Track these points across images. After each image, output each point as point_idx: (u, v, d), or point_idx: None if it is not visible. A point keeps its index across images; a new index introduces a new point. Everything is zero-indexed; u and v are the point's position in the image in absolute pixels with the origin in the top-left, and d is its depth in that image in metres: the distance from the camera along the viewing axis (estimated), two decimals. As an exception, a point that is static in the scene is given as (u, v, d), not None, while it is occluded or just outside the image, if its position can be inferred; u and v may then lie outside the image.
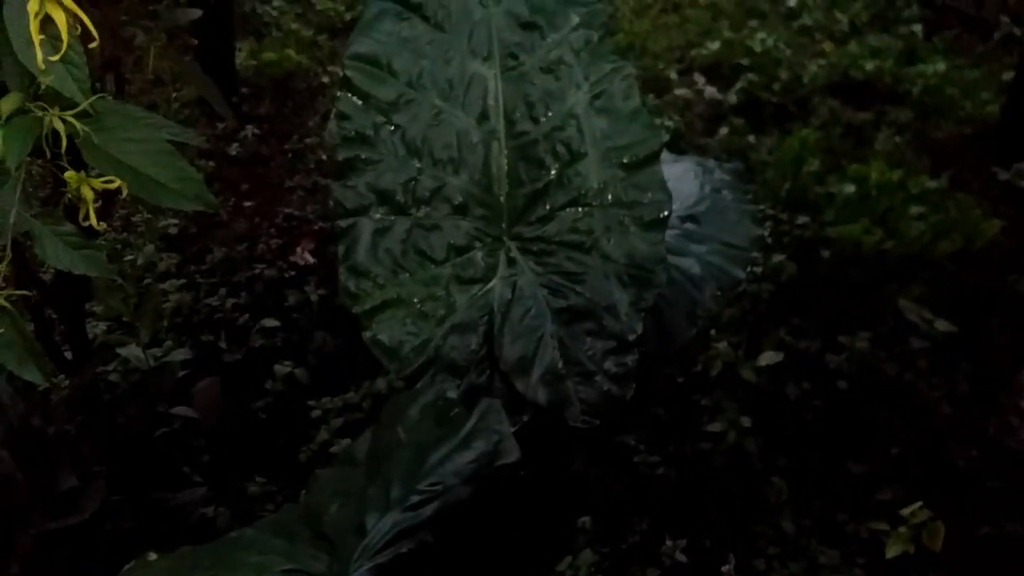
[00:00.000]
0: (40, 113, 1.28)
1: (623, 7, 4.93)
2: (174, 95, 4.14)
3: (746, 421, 2.52)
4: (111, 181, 1.35)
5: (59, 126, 1.27)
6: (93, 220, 1.30)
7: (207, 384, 2.75)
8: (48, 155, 1.31)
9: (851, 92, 4.19)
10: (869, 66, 4.26)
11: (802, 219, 3.31)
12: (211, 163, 3.78)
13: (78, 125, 1.29)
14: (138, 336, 2.51)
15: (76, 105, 1.27)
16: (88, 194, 1.31)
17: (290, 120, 4.11)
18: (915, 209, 3.23)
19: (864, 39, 4.59)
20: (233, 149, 3.89)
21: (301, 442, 2.57)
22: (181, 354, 2.54)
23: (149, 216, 3.47)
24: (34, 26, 1.21)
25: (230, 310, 3.05)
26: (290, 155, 3.94)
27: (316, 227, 3.52)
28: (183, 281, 3.16)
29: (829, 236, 3.20)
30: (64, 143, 1.28)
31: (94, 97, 1.30)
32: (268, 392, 2.75)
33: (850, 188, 3.29)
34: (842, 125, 3.95)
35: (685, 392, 2.72)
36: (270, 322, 2.99)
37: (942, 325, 2.84)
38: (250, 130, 3.97)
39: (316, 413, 2.63)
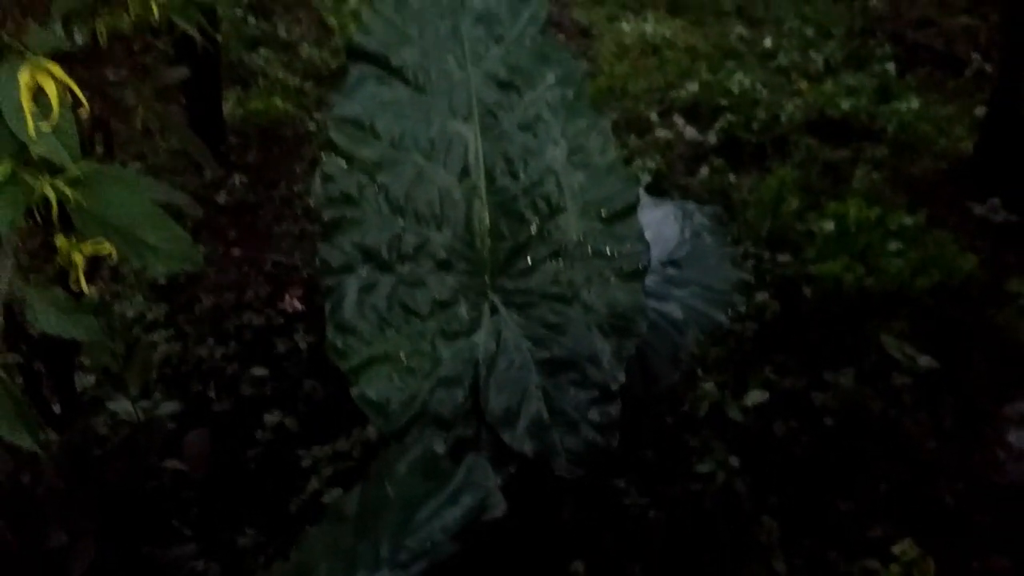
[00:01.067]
0: (31, 180, 1.31)
1: (603, 51, 5.03)
2: (162, 145, 4.18)
3: (735, 461, 2.53)
4: (101, 244, 1.37)
5: (50, 193, 1.30)
6: (83, 285, 1.33)
7: (196, 435, 2.74)
8: (39, 220, 1.33)
9: (828, 130, 4.27)
10: (845, 104, 4.36)
11: (783, 257, 3.36)
12: (198, 213, 3.81)
13: (69, 191, 1.31)
14: (127, 389, 2.51)
15: (66, 170, 1.29)
16: (78, 260, 1.34)
17: (277, 167, 4.16)
18: (893, 245, 3.29)
19: (839, 78, 4.69)
20: (221, 197, 3.92)
21: (291, 492, 2.56)
22: (171, 407, 2.54)
23: (137, 267, 3.48)
24: (26, 97, 1.24)
25: (219, 359, 3.05)
26: (277, 202, 3.97)
27: (304, 274, 3.54)
28: (172, 331, 3.17)
29: (811, 273, 3.24)
30: (55, 209, 1.30)
31: (84, 163, 1.32)
32: (258, 442, 2.75)
33: (829, 226, 3.35)
34: (820, 163, 4.03)
35: (673, 433, 2.73)
36: (259, 371, 2.99)
37: (924, 361, 2.88)
38: (238, 178, 4.00)
39: (306, 462, 2.63)
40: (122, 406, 2.50)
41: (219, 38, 2.30)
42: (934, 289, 3.19)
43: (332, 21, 5.12)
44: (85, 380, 2.81)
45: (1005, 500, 2.57)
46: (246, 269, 3.59)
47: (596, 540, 2.31)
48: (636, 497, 2.51)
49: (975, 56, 4.84)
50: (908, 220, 3.43)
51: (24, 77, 1.24)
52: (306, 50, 4.90)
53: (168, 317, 3.26)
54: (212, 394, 2.95)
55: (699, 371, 2.89)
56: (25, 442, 1.30)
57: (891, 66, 4.77)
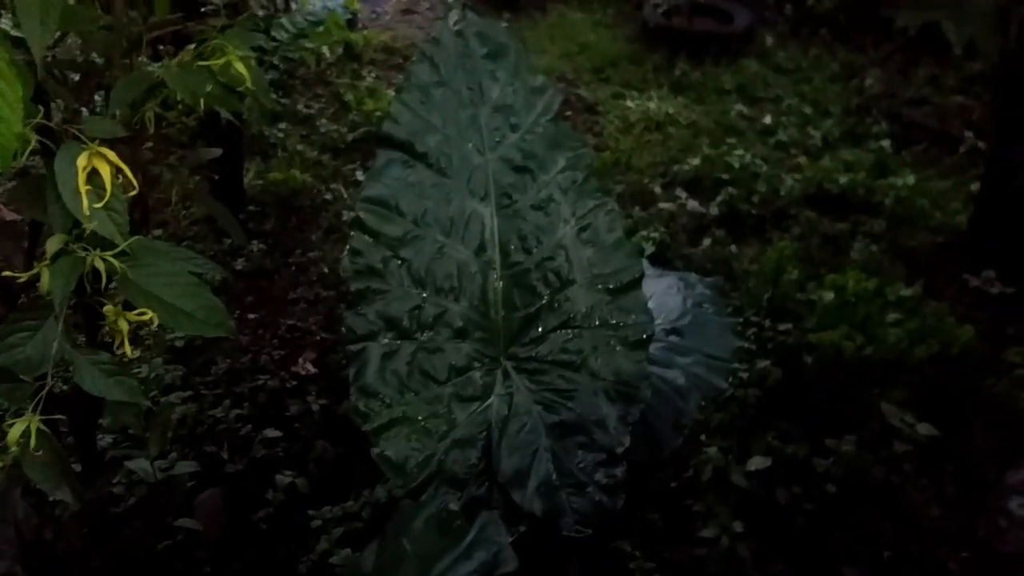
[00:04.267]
0: (82, 253, 1.43)
1: (609, 127, 5.23)
2: (183, 213, 4.34)
3: (738, 526, 2.58)
4: (143, 313, 1.48)
5: (100, 265, 1.41)
6: (127, 350, 1.43)
7: (209, 495, 2.81)
8: (88, 290, 1.45)
9: (826, 204, 4.41)
10: (843, 179, 4.51)
11: (784, 326, 3.45)
12: (217, 277, 3.93)
13: (117, 264, 1.43)
14: (145, 448, 2.58)
15: (114, 245, 1.41)
16: (124, 326, 1.44)
17: (294, 235, 4.30)
18: (892, 316, 3.38)
19: (837, 154, 4.86)
20: (239, 263, 4.05)
21: (301, 552, 2.61)
22: (188, 467, 2.61)
23: (156, 330, 3.58)
24: (82, 179, 1.37)
25: (233, 421, 3.12)
26: (293, 268, 4.10)
27: (318, 338, 3.64)
28: (188, 393, 3.25)
29: (811, 342, 3.33)
30: (104, 280, 1.42)
31: (132, 239, 1.44)
32: (269, 502, 2.80)
33: (829, 296, 3.45)
34: (819, 235, 4.15)
35: (678, 497, 2.78)
36: (272, 432, 3.06)
37: (924, 429, 2.93)
38: (255, 245, 4.14)
39: (316, 523, 2.68)
40: (140, 465, 2.58)
41: (244, 114, 2.44)
42: (932, 359, 3.26)
43: (349, 97, 5.34)
44: (103, 440, 2.88)
45: (1008, 569, 2.60)
46: (261, 332, 3.69)
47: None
48: (641, 561, 2.54)
49: (968, 134, 5.01)
50: (906, 291, 3.53)
51: (82, 161, 1.37)
52: (324, 124, 5.11)
53: (184, 379, 3.34)
54: (225, 455, 3.01)
55: (703, 436, 2.95)
56: (66, 496, 1.39)
57: (887, 143, 4.94)
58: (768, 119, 5.25)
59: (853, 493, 2.78)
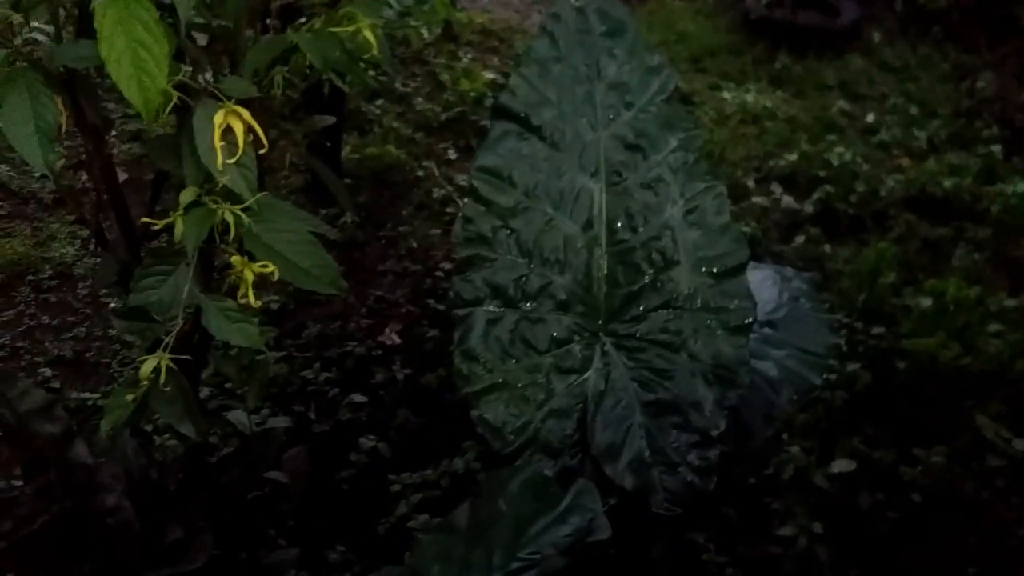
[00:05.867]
0: (213, 206, 1.51)
1: (703, 117, 5.15)
2: (283, 182, 4.49)
3: (817, 527, 2.54)
4: (265, 265, 1.56)
5: (229, 218, 1.49)
6: (251, 298, 1.51)
7: (296, 452, 2.92)
8: (217, 241, 1.53)
9: (929, 207, 4.25)
10: (947, 183, 4.33)
11: (877, 329, 3.35)
12: (314, 243, 4.05)
13: (244, 217, 1.51)
14: (243, 402, 2.71)
15: (241, 199, 1.49)
16: (249, 277, 1.52)
17: (386, 210, 4.40)
18: (993, 326, 3.25)
19: (942, 157, 4.67)
20: (332, 233, 4.16)
21: (380, 515, 2.69)
22: (281, 422, 2.73)
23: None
24: (217, 135, 1.44)
25: (322, 383, 3.24)
26: (383, 241, 4.20)
27: (404, 310, 3.73)
28: (281, 354, 3.38)
29: (905, 348, 3.23)
30: (232, 232, 1.50)
31: (259, 195, 1.52)
32: (352, 464, 2.90)
33: (927, 302, 3.34)
34: (919, 239, 4.01)
35: (756, 494, 2.75)
36: (358, 397, 3.16)
37: (1021, 445, 2.83)
38: (349, 217, 4.26)
39: (396, 487, 2.76)
40: (238, 417, 2.71)
41: (346, 89, 2.50)
42: (1035, 374, 3.13)
43: (445, 77, 5.41)
44: (200, 392, 3.02)
45: (1104, 596, 2.49)
46: (351, 301, 3.80)
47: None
48: (715, 554, 2.53)
49: (1086, 143, 4.74)
50: (1010, 302, 3.39)
51: (218, 118, 1.45)
52: (419, 103, 5.19)
53: (277, 341, 3.47)
54: (313, 415, 3.13)
55: (785, 435, 2.91)
56: (189, 431, 1.48)
57: (997, 148, 4.71)
58: (871, 117, 5.08)
59: (940, 505, 2.70)
